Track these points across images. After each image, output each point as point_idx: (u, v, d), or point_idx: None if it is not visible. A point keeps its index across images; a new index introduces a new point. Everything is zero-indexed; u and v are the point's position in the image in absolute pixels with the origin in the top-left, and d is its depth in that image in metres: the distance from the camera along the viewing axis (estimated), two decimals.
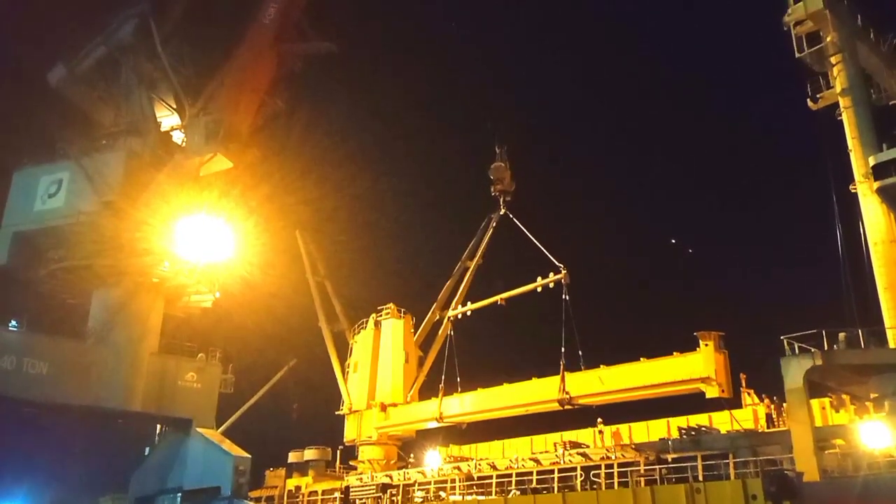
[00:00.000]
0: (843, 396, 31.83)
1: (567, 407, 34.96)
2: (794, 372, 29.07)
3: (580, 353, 34.50)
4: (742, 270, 75.24)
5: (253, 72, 43.83)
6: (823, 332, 30.21)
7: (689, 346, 31.37)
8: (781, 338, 31.17)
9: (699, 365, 30.13)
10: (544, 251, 39.52)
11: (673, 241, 72.28)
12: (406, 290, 55.44)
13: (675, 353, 31.41)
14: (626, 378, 33.29)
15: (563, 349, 34.60)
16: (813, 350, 30.19)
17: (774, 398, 33.41)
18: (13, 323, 38.24)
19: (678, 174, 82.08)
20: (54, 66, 42.55)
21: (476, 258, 48.33)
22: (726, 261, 75.82)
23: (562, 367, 34.65)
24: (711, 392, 28.94)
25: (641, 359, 33.00)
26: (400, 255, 64.58)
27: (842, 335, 30.20)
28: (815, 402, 31.45)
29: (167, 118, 44.31)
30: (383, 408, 46.34)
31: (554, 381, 35.08)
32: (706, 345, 29.35)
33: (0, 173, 41.41)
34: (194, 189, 42.24)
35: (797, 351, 30.62)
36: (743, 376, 33.84)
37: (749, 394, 34.29)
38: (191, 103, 42.93)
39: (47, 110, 43.03)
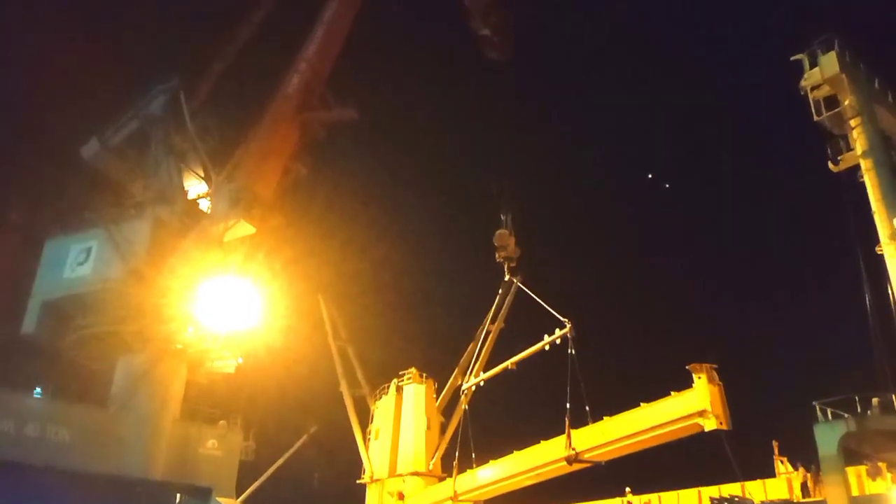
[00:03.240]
0: (880, 464, 30.88)
1: (576, 465, 33.85)
2: (828, 439, 28.42)
3: (587, 408, 33.68)
4: (768, 333, 74.05)
5: (276, 141, 44.98)
6: (856, 398, 29.63)
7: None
8: (813, 403, 30.60)
9: (694, 399, 29.36)
10: (549, 309, 39.39)
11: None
12: (428, 354, 55.16)
13: (672, 393, 30.67)
14: (629, 425, 32.42)
15: (568, 405, 33.80)
16: (846, 416, 29.56)
17: (812, 466, 32.41)
18: (37, 390, 38.41)
19: (694, 231, 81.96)
20: (88, 140, 43.92)
21: (497, 322, 48.23)
22: (750, 323, 74.78)
23: (567, 422, 33.67)
24: (710, 425, 27.95)
25: (641, 404, 32.26)
26: (422, 318, 64.56)
27: (875, 400, 29.59)
28: (850, 470, 30.55)
29: (194, 186, 45.31)
30: (401, 496, 45.50)
31: (561, 440, 34.28)
32: (699, 378, 28.55)
33: (33, 243, 42.37)
34: (219, 255, 42.78)
35: (830, 417, 30.00)
36: (775, 444, 33.05)
37: (782, 462, 33.38)
38: (217, 172, 43.96)
39: (79, 181, 44.29)
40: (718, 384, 28.29)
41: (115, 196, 44.11)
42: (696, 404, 28.39)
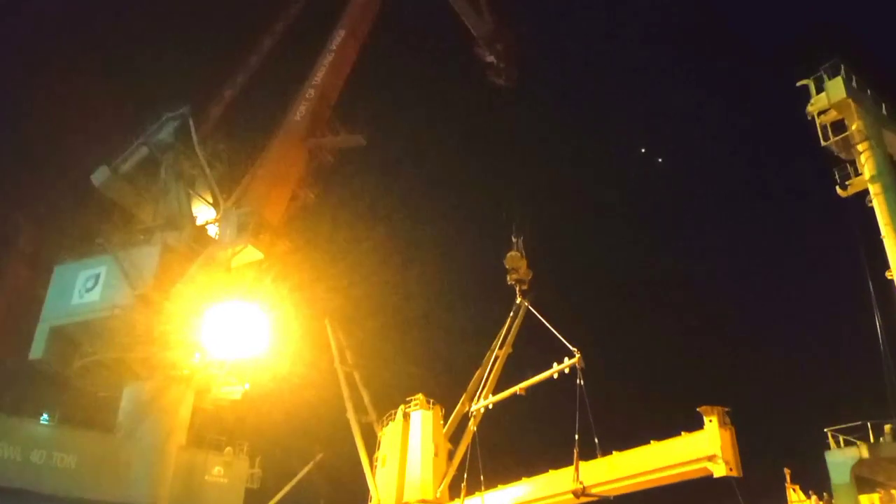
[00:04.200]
0: (893, 492, 30.45)
1: (583, 499, 33.60)
2: (841, 466, 28.07)
3: (596, 440, 33.34)
4: (779, 358, 73.57)
5: (284, 166, 45.31)
6: (869, 424, 29.30)
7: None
8: (825, 430, 30.27)
9: (704, 443, 28.99)
10: (559, 337, 39.27)
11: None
12: (436, 379, 54.72)
13: (682, 433, 30.34)
14: (637, 463, 32.04)
15: (576, 436, 33.49)
16: (858, 443, 29.21)
17: (825, 494, 31.96)
18: (44, 417, 38.36)
19: (704, 258, 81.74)
20: (98, 167, 44.27)
21: (505, 348, 47.92)
22: (762, 348, 74.27)
23: (575, 455, 33.37)
24: (718, 471, 27.62)
25: (651, 441, 31.94)
26: (430, 342, 64.28)
27: (887, 427, 29.27)
28: (863, 499, 30.13)
29: (203, 212, 45.53)
30: None
31: (569, 471, 33.90)
32: (710, 421, 28.19)
33: (42, 269, 42.53)
34: (226, 280, 42.83)
35: (842, 444, 29.66)
36: (787, 471, 32.65)
37: (795, 490, 32.94)
38: (225, 198, 44.18)
39: (89, 208, 44.57)
40: (730, 427, 28.04)
41: (125, 222, 44.42)
42: (707, 449, 28.13)
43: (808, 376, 65.58)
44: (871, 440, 28.94)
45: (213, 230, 45.21)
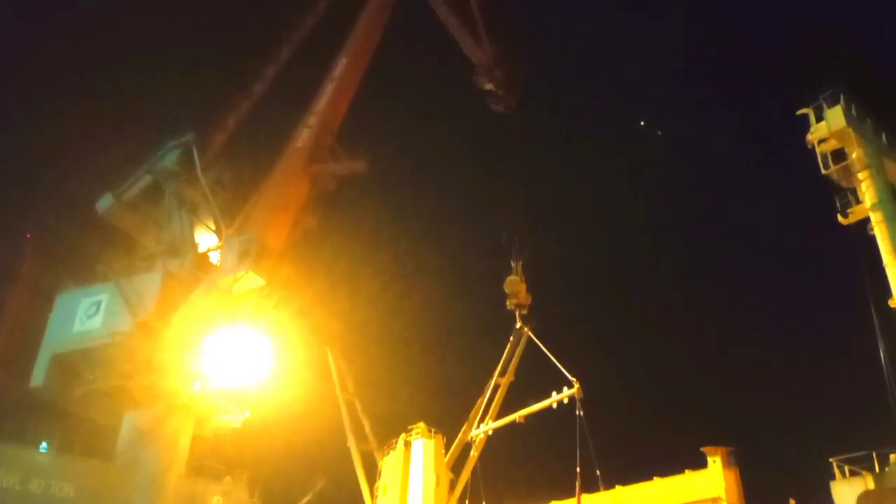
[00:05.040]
0: None
1: None
2: (846, 497, 27.76)
3: (598, 472, 33.00)
4: (783, 387, 73.16)
5: (286, 193, 45.39)
6: (874, 454, 29.05)
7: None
8: (830, 460, 30.00)
9: (708, 484, 28.74)
10: (559, 366, 39.18)
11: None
12: (437, 406, 54.45)
13: (686, 471, 30.07)
14: (640, 499, 31.76)
15: (578, 469, 33.16)
16: (864, 473, 28.95)
17: None
18: (43, 445, 38.09)
19: (706, 286, 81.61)
20: (101, 194, 44.47)
21: (507, 375, 47.69)
22: (766, 377, 73.94)
23: (577, 488, 33.06)
24: None
25: (655, 477, 31.65)
26: (431, 369, 63.94)
27: (893, 456, 29.00)
28: None
29: (205, 239, 45.60)
30: None
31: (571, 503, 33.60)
32: (714, 461, 27.99)
33: (44, 297, 42.53)
34: (227, 306, 42.74)
35: (847, 474, 29.38)
36: (792, 501, 32.21)
37: None
38: (228, 224, 44.23)
39: (92, 235, 44.68)
40: (734, 467, 27.83)
41: (127, 249, 44.47)
42: (711, 490, 27.96)
43: (813, 405, 65.10)
44: (877, 470, 28.67)
45: (215, 257, 45.27)
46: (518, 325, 46.70)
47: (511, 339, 48.15)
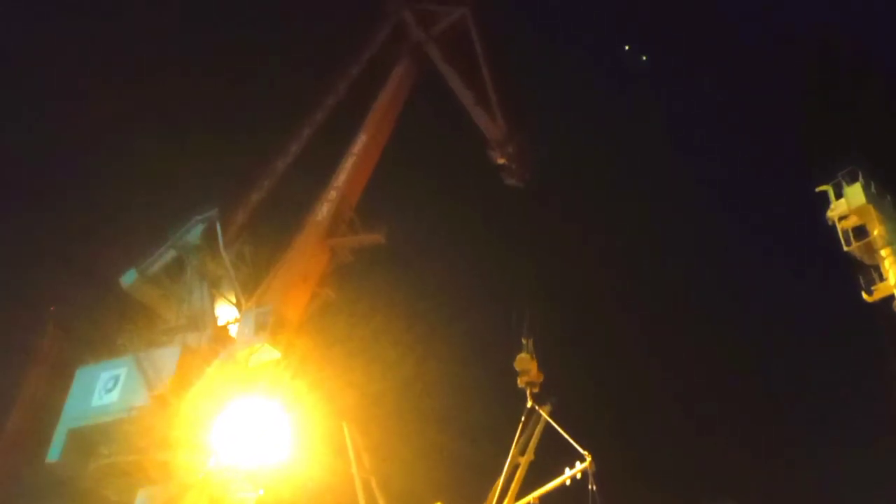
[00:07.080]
0: None
1: None
2: None
3: None
4: (801, 460, 71.37)
5: (305, 266, 45.75)
6: None
7: None
8: None
9: None
10: (570, 441, 38.63)
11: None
12: (452, 483, 53.09)
13: None
14: None
15: None
16: None
17: None
18: None
19: (717, 353, 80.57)
20: (124, 269, 44.95)
21: (527, 454, 46.57)
22: (782, 450, 72.25)
23: None
24: None
25: None
26: (446, 444, 62.75)
27: None
28: None
29: (225, 312, 45.71)
30: None
31: None
32: None
33: (63, 372, 42.55)
34: (244, 379, 42.51)
35: None
36: None
37: None
38: (248, 297, 44.40)
39: (112, 309, 45.01)
40: None
41: (148, 322, 44.62)
42: None
43: (832, 482, 63.50)
44: None
45: (234, 330, 45.28)
46: (529, 403, 45.95)
47: (523, 417, 47.39)
